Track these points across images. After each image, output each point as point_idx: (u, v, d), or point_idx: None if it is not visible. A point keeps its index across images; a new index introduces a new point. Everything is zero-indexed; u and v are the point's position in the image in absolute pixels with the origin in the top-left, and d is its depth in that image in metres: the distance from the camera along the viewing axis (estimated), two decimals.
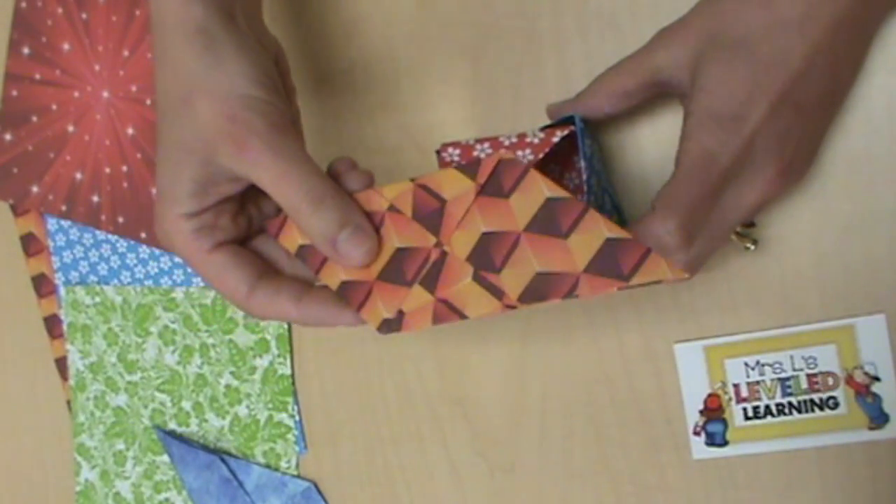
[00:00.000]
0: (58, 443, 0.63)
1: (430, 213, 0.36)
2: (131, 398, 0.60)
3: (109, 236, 0.59)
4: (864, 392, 0.44)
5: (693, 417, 0.46)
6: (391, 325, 0.37)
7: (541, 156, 0.39)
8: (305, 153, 0.38)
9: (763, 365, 0.45)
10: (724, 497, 0.46)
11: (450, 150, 0.42)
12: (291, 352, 0.55)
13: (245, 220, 0.41)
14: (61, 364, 0.62)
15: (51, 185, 0.60)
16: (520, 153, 0.39)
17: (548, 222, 0.34)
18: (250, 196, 0.41)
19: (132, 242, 0.58)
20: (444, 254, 0.36)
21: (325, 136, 0.52)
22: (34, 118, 0.60)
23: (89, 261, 0.60)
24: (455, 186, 0.36)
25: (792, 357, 0.44)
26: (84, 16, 0.58)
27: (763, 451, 0.45)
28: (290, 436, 0.56)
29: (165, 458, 0.59)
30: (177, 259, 0.57)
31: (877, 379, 0.43)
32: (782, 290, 0.44)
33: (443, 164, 0.41)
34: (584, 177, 0.39)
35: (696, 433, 0.46)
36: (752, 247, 0.43)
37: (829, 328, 0.44)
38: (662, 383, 0.47)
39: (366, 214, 0.38)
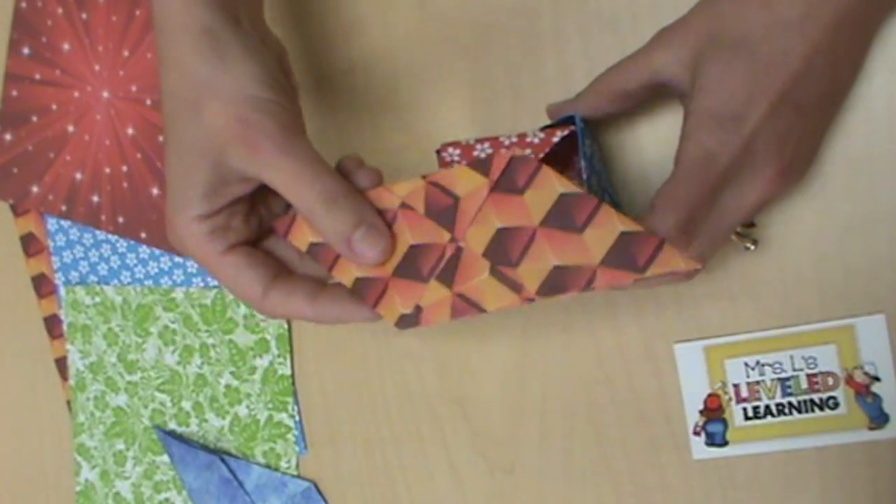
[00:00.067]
0: (58, 443, 0.63)
1: (444, 209, 0.37)
2: (131, 398, 0.60)
3: (109, 236, 0.59)
4: (864, 392, 0.44)
5: (693, 417, 0.46)
6: (409, 321, 0.37)
7: (541, 156, 0.39)
8: (316, 153, 0.38)
9: (763, 365, 0.45)
10: (724, 497, 0.46)
11: (450, 150, 0.42)
12: (291, 352, 0.55)
13: (256, 221, 0.41)
14: (61, 364, 0.62)
15: (51, 185, 0.60)
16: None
17: (563, 217, 0.34)
18: (260, 196, 0.41)
19: (132, 242, 0.58)
20: (459, 249, 0.36)
21: (325, 136, 0.52)
22: (34, 118, 0.60)
23: (89, 261, 0.60)
24: (468, 183, 0.36)
25: (792, 357, 0.44)
26: (84, 16, 0.58)
27: (763, 451, 0.45)
28: (290, 436, 0.56)
29: (165, 458, 0.59)
30: (177, 259, 0.57)
31: (877, 379, 0.43)
32: (782, 290, 0.44)
33: (443, 164, 0.41)
34: (584, 177, 0.39)
35: (696, 433, 0.46)
36: (753, 247, 0.43)
37: (829, 328, 0.44)
38: (662, 383, 0.47)
39: (378, 212, 0.38)
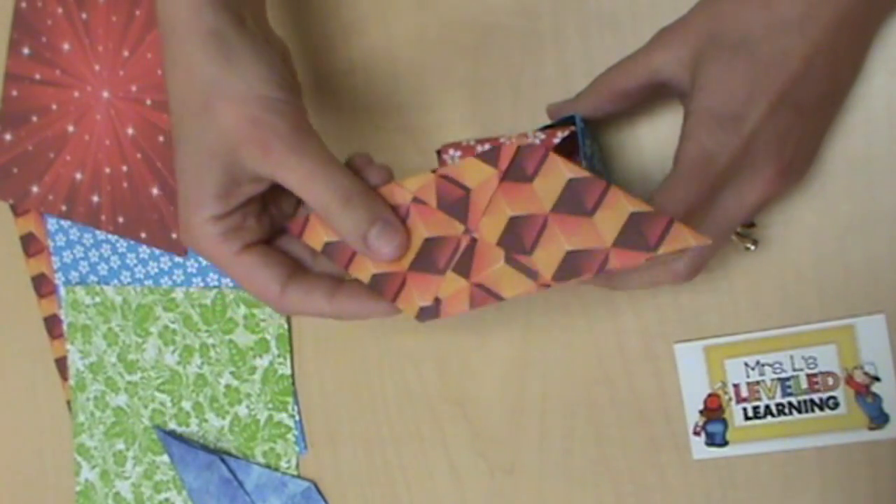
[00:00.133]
0: (58, 443, 0.63)
1: (456, 201, 0.37)
2: (131, 398, 0.60)
3: (109, 236, 0.59)
4: (864, 392, 0.44)
5: (693, 417, 0.46)
6: (429, 313, 0.38)
7: None
8: (329, 152, 0.38)
9: (763, 365, 0.45)
10: (724, 497, 0.46)
11: (451, 151, 0.42)
12: (291, 352, 0.55)
13: (268, 220, 0.41)
14: (61, 364, 0.62)
15: (51, 185, 0.60)
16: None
17: (573, 202, 0.35)
18: (271, 196, 0.41)
19: (132, 242, 0.58)
20: (473, 240, 0.37)
21: (326, 136, 0.52)
22: (34, 118, 0.60)
23: (89, 261, 0.60)
24: (477, 175, 0.37)
25: (792, 357, 0.44)
26: (84, 16, 0.58)
27: (763, 451, 0.45)
28: (290, 436, 0.56)
29: (165, 458, 0.59)
30: (177, 259, 0.57)
31: (877, 379, 0.43)
32: (782, 290, 0.44)
33: (443, 164, 0.41)
34: None
35: (696, 433, 0.46)
36: (753, 247, 0.43)
37: (829, 328, 0.44)
38: (662, 383, 0.47)
39: (391, 208, 0.39)
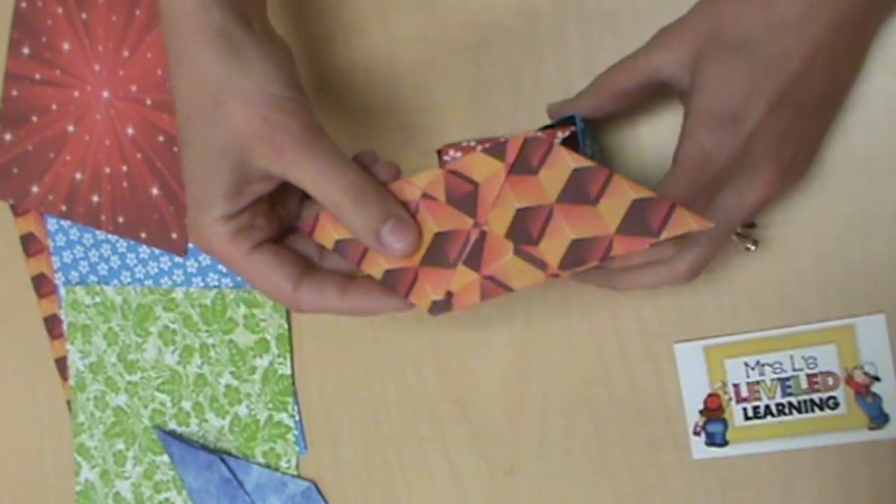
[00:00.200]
0: (58, 443, 0.63)
1: (464, 196, 0.38)
2: (131, 398, 0.60)
3: (109, 236, 0.59)
4: (864, 392, 0.44)
5: (693, 417, 0.46)
6: (441, 307, 0.38)
7: None
8: (339, 150, 0.38)
9: (763, 365, 0.45)
10: (724, 497, 0.46)
11: (451, 151, 0.42)
12: (291, 352, 0.55)
13: (277, 219, 0.41)
14: (61, 364, 0.62)
15: (51, 185, 0.60)
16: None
17: (577, 192, 0.35)
18: (277, 195, 0.41)
19: (132, 242, 0.58)
20: (483, 233, 0.38)
21: None
22: (34, 118, 0.60)
23: (89, 261, 0.60)
24: (485, 169, 0.37)
25: (792, 357, 0.44)
26: (84, 16, 0.58)
27: (763, 451, 0.45)
28: (290, 436, 0.56)
29: (165, 458, 0.59)
30: (177, 259, 0.57)
31: (877, 379, 0.43)
32: (782, 290, 0.44)
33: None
34: None
35: (696, 433, 0.46)
36: (753, 247, 0.43)
37: (829, 328, 0.44)
38: (662, 383, 0.47)
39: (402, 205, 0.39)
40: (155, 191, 0.57)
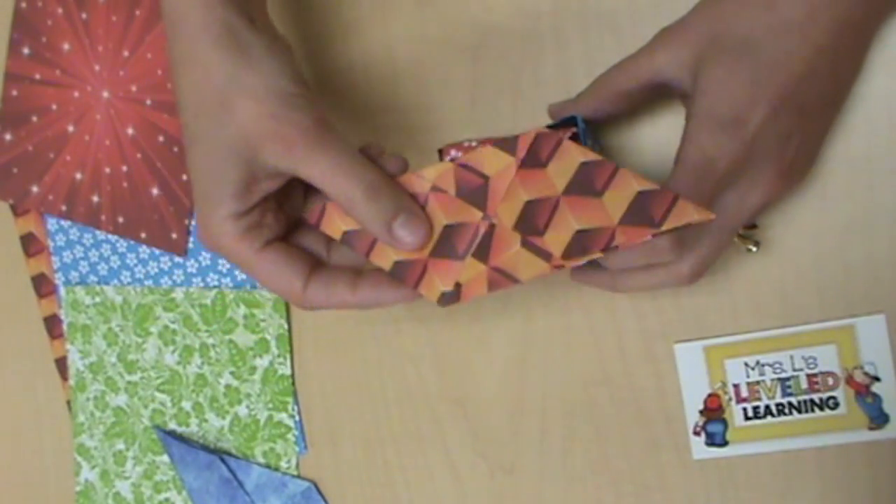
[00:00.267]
0: (58, 443, 0.63)
1: (475, 189, 0.38)
2: (131, 398, 0.60)
3: (109, 236, 0.59)
4: (864, 392, 0.44)
5: (693, 417, 0.46)
6: (450, 298, 0.39)
7: None
8: (349, 144, 0.38)
9: (763, 365, 0.45)
10: (724, 497, 0.46)
11: (452, 151, 0.42)
12: (291, 352, 0.55)
13: (284, 217, 0.41)
14: (61, 364, 0.62)
15: (51, 185, 0.60)
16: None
17: (583, 184, 0.36)
18: (284, 193, 0.41)
19: (132, 242, 0.58)
20: (492, 226, 0.38)
21: None
22: (34, 118, 0.60)
23: (89, 261, 0.60)
24: (496, 163, 0.38)
25: (792, 357, 0.44)
26: (84, 16, 0.58)
27: (763, 451, 0.45)
28: (290, 436, 0.56)
29: (165, 458, 0.59)
30: (177, 259, 0.57)
31: (877, 379, 0.43)
32: (782, 290, 0.44)
33: None
34: None
35: (696, 433, 0.46)
36: (755, 248, 0.43)
37: (829, 328, 0.44)
38: (662, 383, 0.47)
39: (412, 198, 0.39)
40: (155, 191, 0.57)
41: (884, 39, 0.41)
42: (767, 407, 0.45)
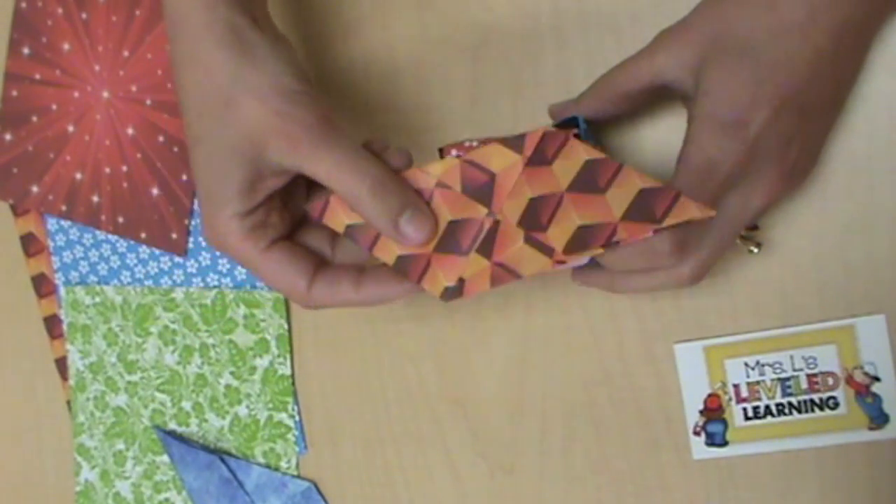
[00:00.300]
0: (58, 443, 0.63)
1: (480, 186, 0.38)
2: (131, 398, 0.60)
3: (109, 236, 0.59)
4: (864, 392, 0.44)
5: (693, 417, 0.46)
6: (453, 293, 0.39)
7: None
8: (354, 141, 0.38)
9: (763, 365, 0.45)
10: (724, 497, 0.46)
11: (453, 151, 0.42)
12: (291, 352, 0.55)
13: (289, 215, 0.41)
14: (61, 364, 0.62)
15: (51, 185, 0.60)
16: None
17: (587, 181, 0.37)
18: (287, 192, 0.41)
19: (132, 242, 0.58)
20: (496, 222, 0.38)
21: None
22: (34, 118, 0.60)
23: (89, 261, 0.60)
24: (502, 161, 0.38)
25: (792, 357, 0.44)
26: (84, 16, 0.58)
27: (763, 451, 0.45)
28: (290, 436, 0.56)
29: (165, 458, 0.59)
30: (177, 259, 0.57)
31: (877, 379, 0.43)
32: (782, 290, 0.44)
33: None
34: None
35: (696, 433, 0.46)
36: (756, 250, 0.43)
37: (829, 328, 0.44)
38: (662, 383, 0.47)
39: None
40: (155, 191, 0.57)
41: (884, 40, 0.41)
42: (767, 407, 0.45)
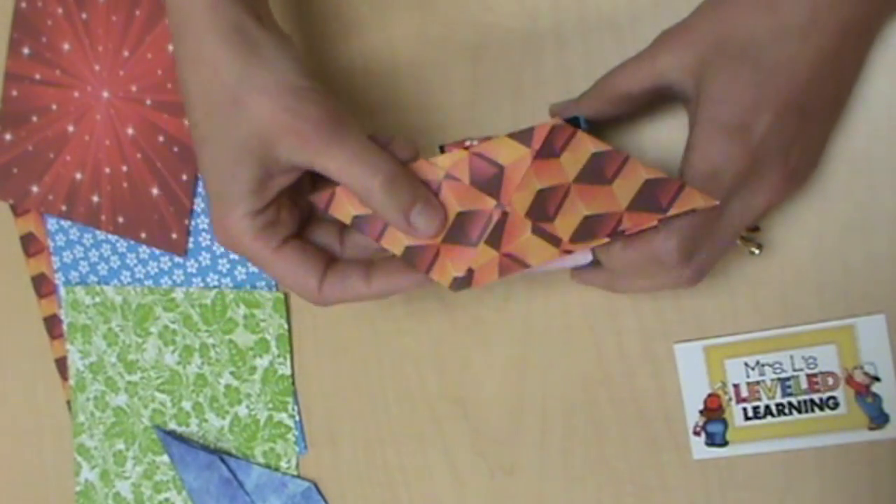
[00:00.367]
0: (58, 443, 0.63)
1: (489, 178, 0.39)
2: (131, 398, 0.60)
3: (109, 236, 0.59)
4: (864, 392, 0.44)
5: (693, 417, 0.46)
6: (462, 283, 0.39)
7: None
8: (364, 135, 0.38)
9: (763, 365, 0.45)
10: (724, 497, 0.46)
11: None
12: (291, 352, 0.55)
13: (298, 212, 0.41)
14: (61, 364, 0.62)
15: (51, 185, 0.60)
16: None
17: (594, 173, 0.37)
18: (297, 188, 0.41)
19: (132, 242, 0.58)
20: (505, 214, 0.39)
21: None
22: (34, 118, 0.60)
23: (89, 261, 0.60)
24: (511, 153, 0.39)
25: (792, 357, 0.44)
26: (84, 16, 0.58)
27: (763, 451, 0.45)
28: (290, 436, 0.56)
29: (165, 458, 0.59)
30: (177, 259, 0.57)
31: (877, 379, 0.43)
32: (782, 290, 0.44)
33: None
34: None
35: (696, 433, 0.46)
36: (757, 251, 0.43)
37: (829, 328, 0.44)
38: (662, 383, 0.47)
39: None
40: (155, 191, 0.57)
41: (885, 40, 0.41)
42: (767, 407, 0.45)
